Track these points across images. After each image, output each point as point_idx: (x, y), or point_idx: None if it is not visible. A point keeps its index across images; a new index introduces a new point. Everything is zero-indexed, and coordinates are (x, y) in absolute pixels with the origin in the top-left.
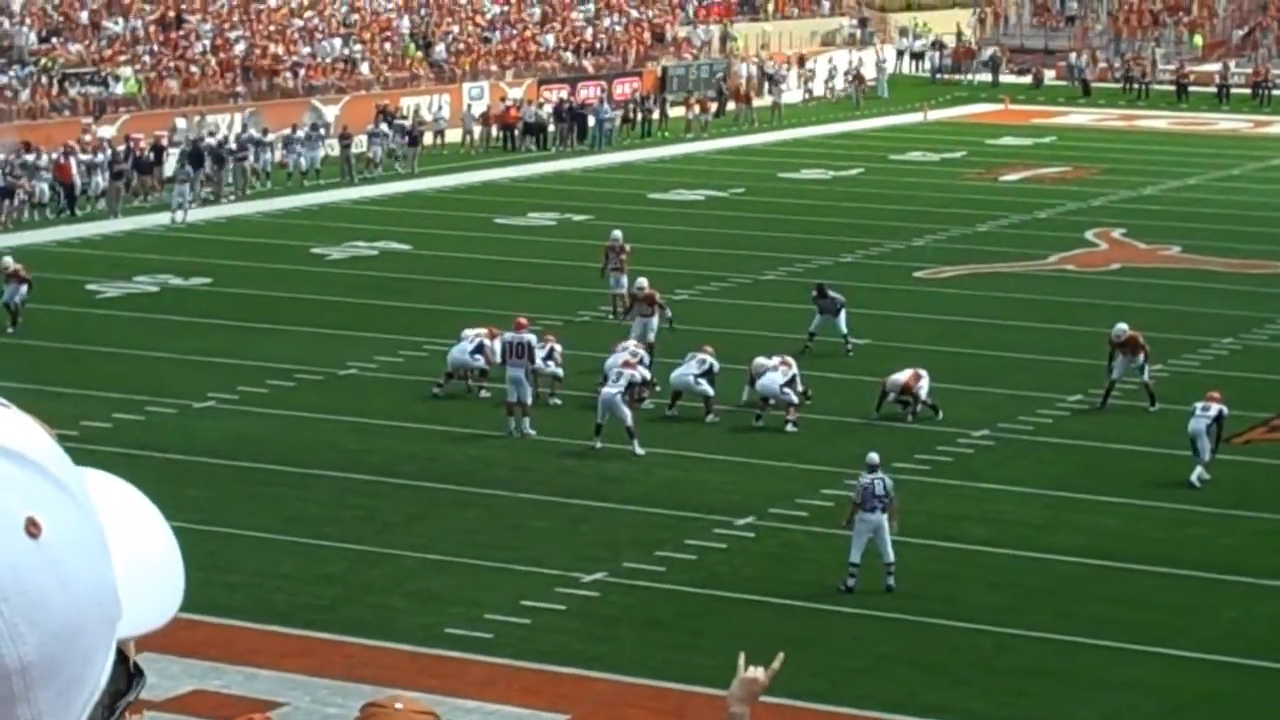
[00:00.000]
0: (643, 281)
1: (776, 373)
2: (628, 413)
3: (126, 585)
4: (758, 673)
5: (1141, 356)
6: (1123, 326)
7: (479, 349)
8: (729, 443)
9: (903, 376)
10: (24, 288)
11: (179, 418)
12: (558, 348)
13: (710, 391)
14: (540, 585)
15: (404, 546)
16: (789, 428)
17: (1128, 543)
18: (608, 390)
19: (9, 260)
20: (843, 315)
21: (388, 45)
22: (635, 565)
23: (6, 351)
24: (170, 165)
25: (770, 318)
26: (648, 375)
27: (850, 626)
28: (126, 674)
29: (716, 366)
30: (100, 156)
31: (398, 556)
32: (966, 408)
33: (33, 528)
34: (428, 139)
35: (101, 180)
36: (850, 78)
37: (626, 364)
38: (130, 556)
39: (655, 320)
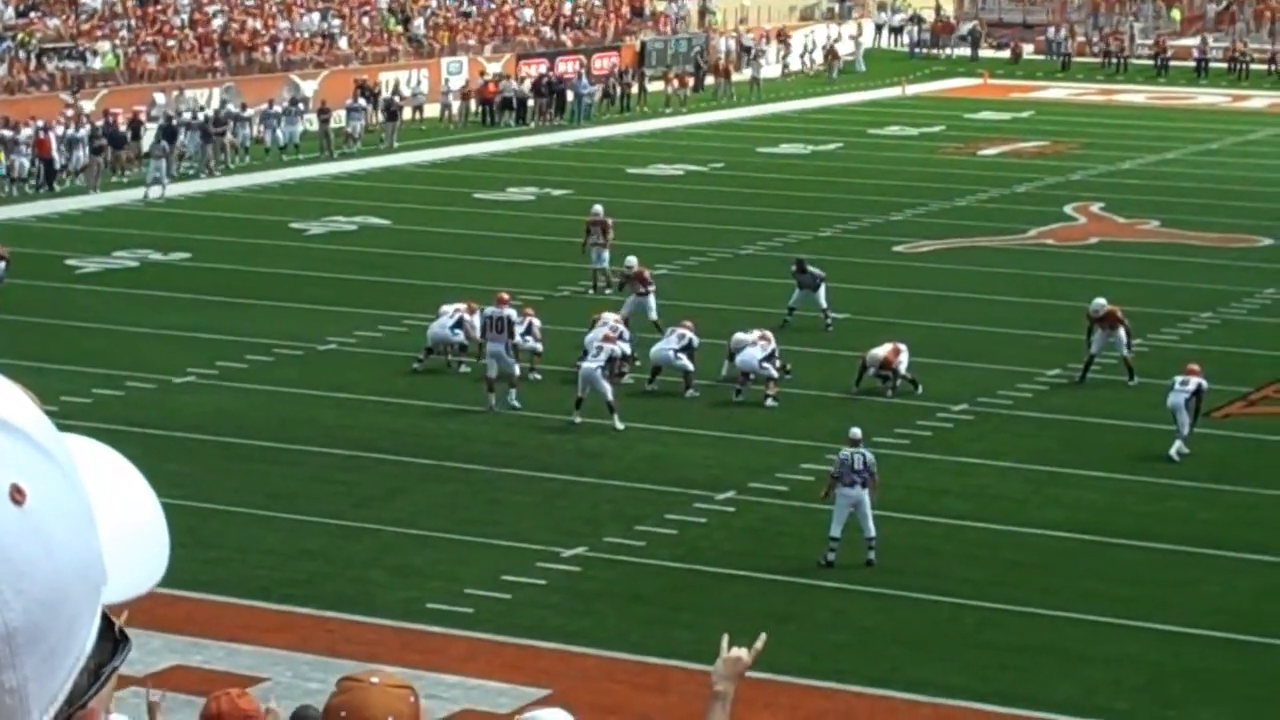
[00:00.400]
0: (632, 260)
1: (755, 348)
2: (608, 387)
3: (112, 551)
4: (740, 652)
5: (1122, 331)
6: (1101, 301)
7: (458, 324)
8: (709, 417)
9: (882, 351)
10: (1, 265)
11: (158, 393)
12: (536, 322)
13: (690, 366)
14: (520, 560)
15: (384, 521)
16: (768, 403)
17: (1108, 517)
18: (587, 365)
19: None
20: (822, 290)
21: (366, 20)
22: (615, 540)
23: None
24: (149, 140)
25: (749, 292)
26: (627, 350)
27: (832, 601)
28: (112, 640)
29: (696, 341)
30: (81, 131)
31: (378, 531)
32: (946, 382)
33: (17, 494)
34: (406, 114)
35: (81, 155)
36: (824, 52)
37: (606, 338)
38: (115, 522)
39: (651, 299)
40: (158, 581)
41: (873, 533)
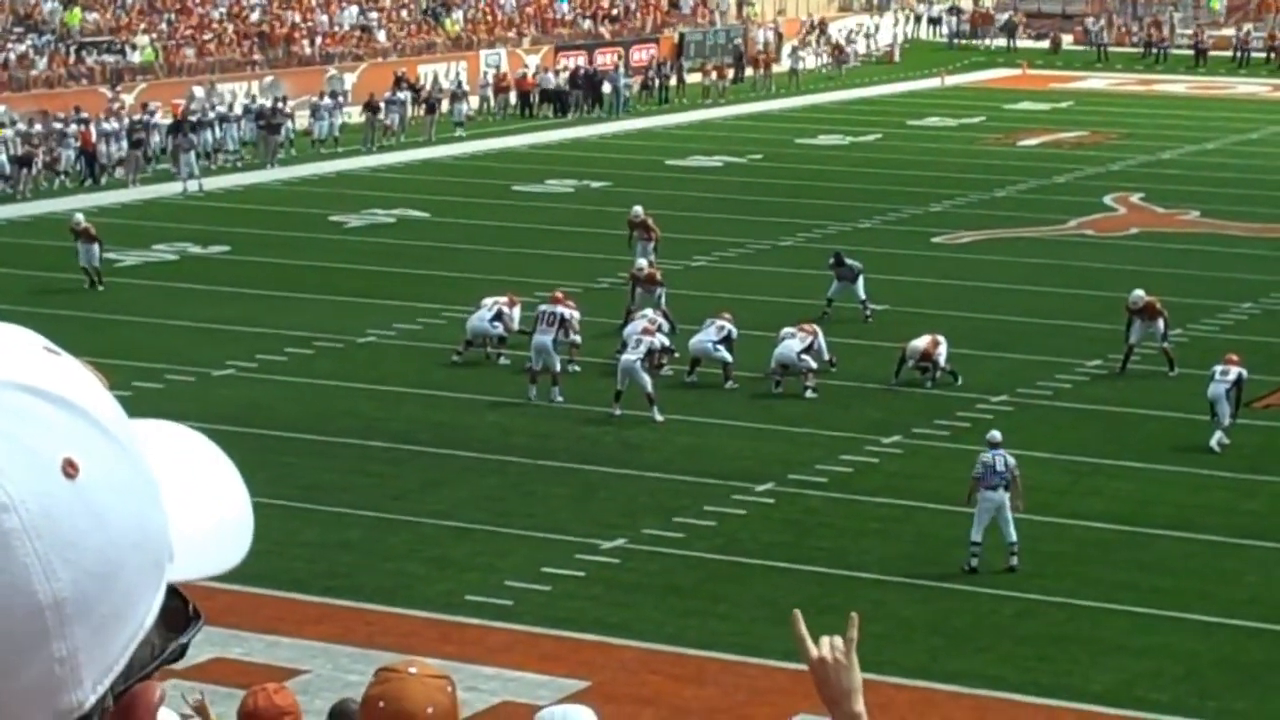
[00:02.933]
0: (642, 263)
1: (794, 340)
2: (647, 379)
3: (184, 529)
4: (827, 650)
5: (1160, 322)
6: (1140, 293)
7: (497, 316)
8: (748, 409)
9: (922, 343)
10: (96, 246)
11: (198, 385)
12: (576, 314)
13: (729, 358)
14: (560, 552)
15: (423, 513)
16: (808, 394)
17: (1148, 508)
18: (627, 357)
19: (80, 217)
20: (860, 281)
21: (404, 13)
22: (654, 532)
23: (26, 320)
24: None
25: (788, 284)
26: (667, 342)
27: (871, 592)
28: (185, 616)
29: (735, 333)
30: (119, 123)
31: (417, 523)
32: (986, 373)
33: (69, 468)
34: (444, 106)
35: (119, 149)
36: (831, 48)
37: (645, 330)
38: (191, 501)
39: (660, 295)
40: (236, 564)
41: (1014, 537)
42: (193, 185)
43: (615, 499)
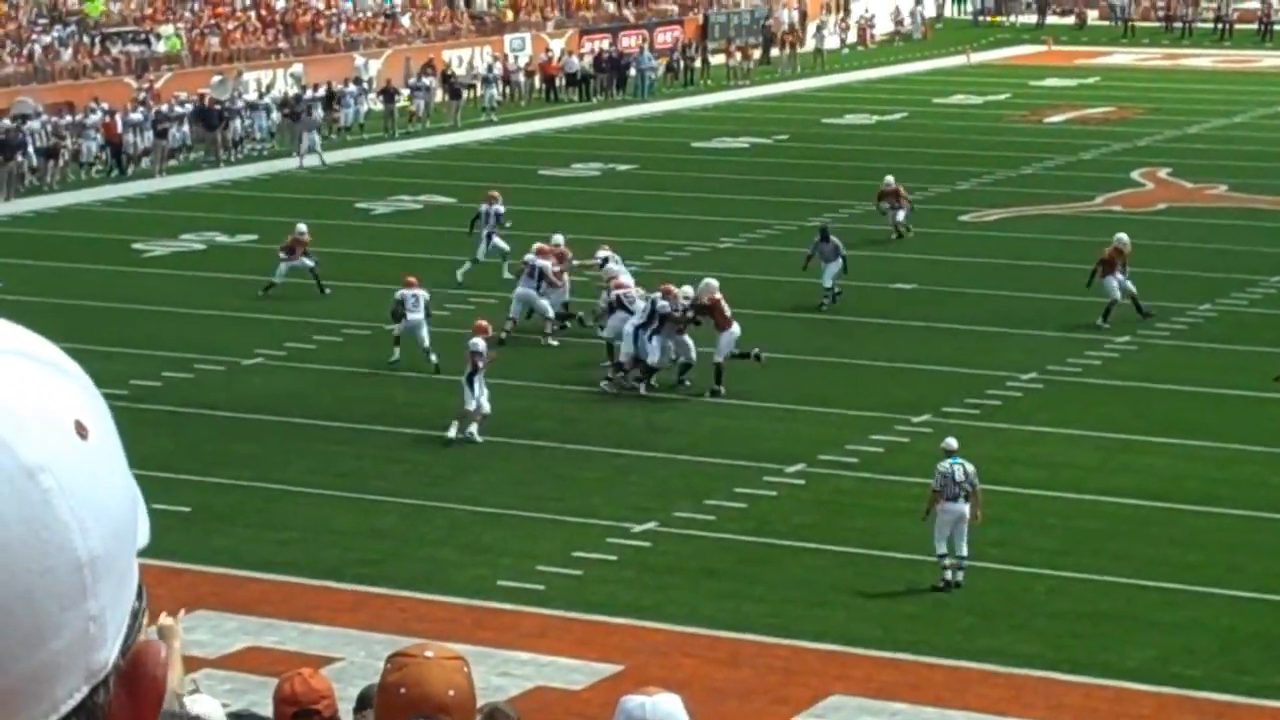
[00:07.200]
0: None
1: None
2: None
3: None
4: None
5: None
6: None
7: (535, 275)
8: (777, 390)
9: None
10: (305, 259)
11: (227, 375)
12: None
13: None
14: (591, 536)
15: (454, 500)
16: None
17: (1179, 483)
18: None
19: (303, 228)
20: (838, 263)
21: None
22: (686, 514)
23: (55, 311)
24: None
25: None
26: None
27: (903, 572)
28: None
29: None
30: (144, 113)
31: (448, 510)
32: (1015, 350)
33: (81, 430)
34: (479, 89)
35: (144, 139)
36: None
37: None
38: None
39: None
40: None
41: (965, 552)
42: (312, 160)
43: (645, 482)
